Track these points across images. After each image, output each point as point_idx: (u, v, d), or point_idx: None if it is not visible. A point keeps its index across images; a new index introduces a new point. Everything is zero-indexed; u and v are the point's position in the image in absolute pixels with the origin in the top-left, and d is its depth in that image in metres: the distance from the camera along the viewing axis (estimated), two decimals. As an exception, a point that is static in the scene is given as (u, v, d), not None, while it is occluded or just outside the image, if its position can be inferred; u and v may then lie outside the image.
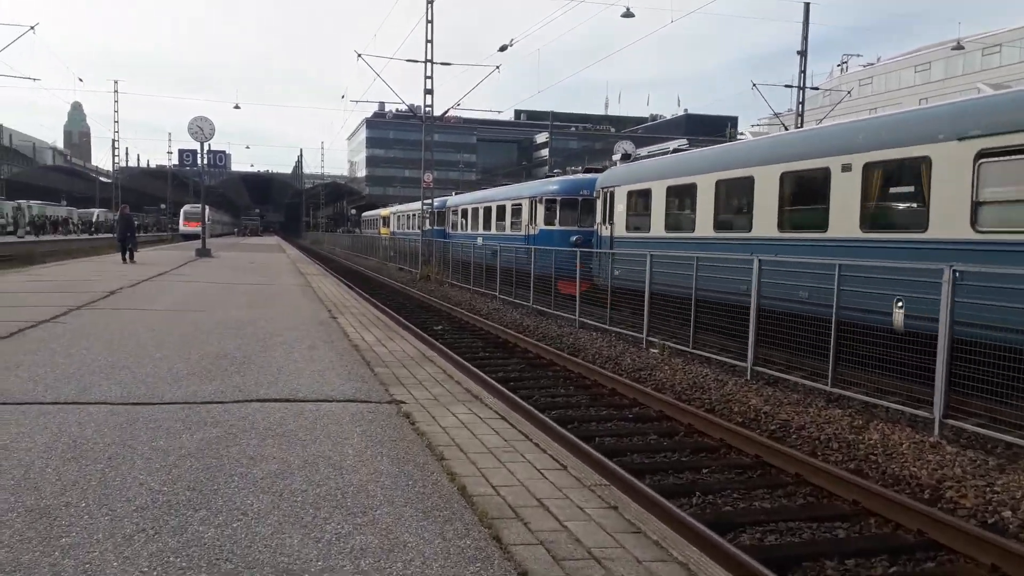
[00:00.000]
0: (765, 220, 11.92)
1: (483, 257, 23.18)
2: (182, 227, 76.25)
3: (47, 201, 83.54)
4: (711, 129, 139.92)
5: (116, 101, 55.13)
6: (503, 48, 25.40)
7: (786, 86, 37.15)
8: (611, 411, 9.24)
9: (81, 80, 43.84)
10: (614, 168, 18.92)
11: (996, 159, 8.00)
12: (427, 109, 30.99)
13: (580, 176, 21.63)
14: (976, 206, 8.19)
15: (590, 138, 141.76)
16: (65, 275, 17.27)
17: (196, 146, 27.81)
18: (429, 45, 30.38)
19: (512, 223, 23.23)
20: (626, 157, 19.45)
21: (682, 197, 14.84)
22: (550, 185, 22.01)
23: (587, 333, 14.72)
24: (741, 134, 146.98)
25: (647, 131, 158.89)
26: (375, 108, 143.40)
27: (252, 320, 9.73)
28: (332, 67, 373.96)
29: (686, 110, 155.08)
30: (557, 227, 20.52)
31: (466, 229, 28.51)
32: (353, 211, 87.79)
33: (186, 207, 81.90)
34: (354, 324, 10.03)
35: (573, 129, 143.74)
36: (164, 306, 11.14)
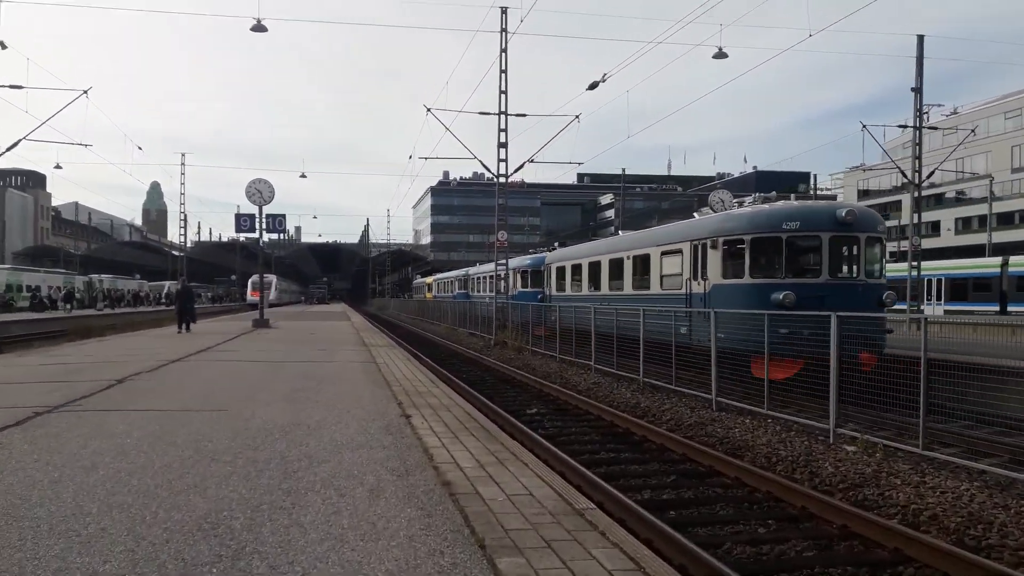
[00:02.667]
0: (627, 283, 19.41)
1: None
2: (249, 297, 75.68)
3: (119, 275, 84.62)
4: (782, 186, 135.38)
5: (183, 174, 54.86)
6: (593, 86, 22.49)
7: (900, 126, 33.37)
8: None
9: (140, 148, 43.45)
10: (554, 251, 27.68)
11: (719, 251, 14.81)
12: (501, 163, 28.33)
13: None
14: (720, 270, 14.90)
15: (656, 198, 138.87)
16: (97, 353, 14.69)
17: (255, 210, 25.73)
18: (503, 96, 27.91)
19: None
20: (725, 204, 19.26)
21: (592, 269, 22.10)
22: (525, 259, 31.91)
23: (732, 417, 11.11)
24: (813, 189, 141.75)
25: (711, 190, 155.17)
26: (440, 177, 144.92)
27: (288, 427, 6.58)
28: (397, 137, 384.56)
29: (755, 167, 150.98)
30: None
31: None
32: (418, 276, 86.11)
33: (253, 277, 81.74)
34: (436, 428, 6.77)
35: (638, 190, 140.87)
36: (175, 403, 8.11)
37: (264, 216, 25.71)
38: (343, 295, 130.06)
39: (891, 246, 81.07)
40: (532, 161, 29.17)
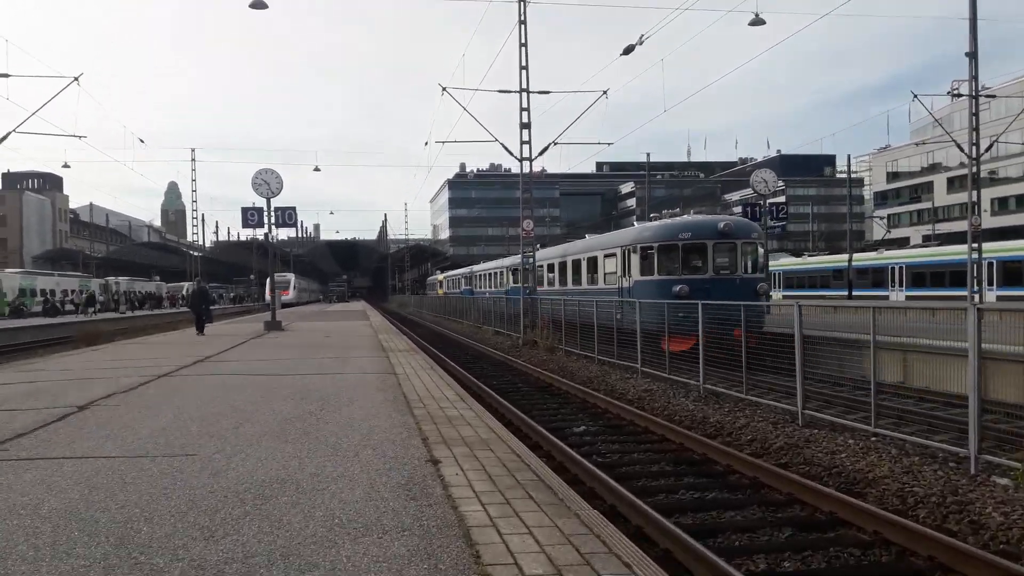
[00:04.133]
0: (584, 280, 23.58)
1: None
2: (268, 297, 74.31)
3: (137, 277, 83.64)
4: (807, 169, 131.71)
5: (193, 170, 53.31)
6: (629, 49, 20.28)
7: (954, 94, 30.89)
8: None
9: (142, 141, 41.90)
10: (539, 252, 28.81)
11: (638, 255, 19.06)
12: (524, 145, 26.27)
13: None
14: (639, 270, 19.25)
15: (678, 185, 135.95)
16: (79, 367, 12.90)
17: (263, 203, 23.94)
18: (524, 72, 25.84)
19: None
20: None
21: (561, 268, 26.09)
22: (516, 258, 30.69)
23: (826, 434, 9.04)
24: (841, 171, 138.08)
25: (736, 175, 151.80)
26: (456, 170, 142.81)
27: (269, 488, 4.65)
28: (413, 130, 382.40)
29: (779, 151, 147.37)
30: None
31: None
32: (438, 272, 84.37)
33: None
34: (476, 483, 4.81)
35: (659, 177, 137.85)
36: (130, 445, 6.21)
37: (272, 209, 23.91)
38: (363, 293, 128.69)
39: (924, 229, 78.10)
40: (557, 143, 27.11)
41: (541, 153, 26.93)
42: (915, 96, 30.47)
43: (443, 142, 28.13)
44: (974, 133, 27.90)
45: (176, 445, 6.05)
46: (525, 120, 26.02)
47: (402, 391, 9.22)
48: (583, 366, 17.87)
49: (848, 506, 6.54)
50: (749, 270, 18.31)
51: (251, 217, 24.12)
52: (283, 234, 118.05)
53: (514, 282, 32.38)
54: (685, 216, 21.53)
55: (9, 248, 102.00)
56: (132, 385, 9.95)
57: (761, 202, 27.83)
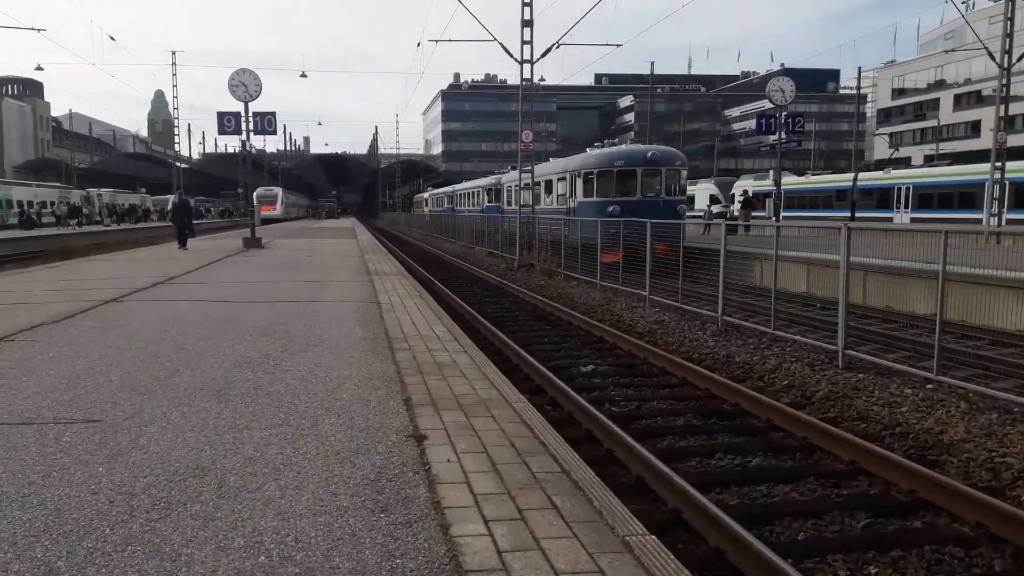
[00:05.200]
0: (542, 200, 25.53)
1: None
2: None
3: (120, 189, 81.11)
4: (811, 83, 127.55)
5: (174, 75, 50.34)
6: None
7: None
8: None
9: (113, 39, 38.53)
10: (507, 174, 31.77)
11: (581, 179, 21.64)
12: (525, 46, 24.10)
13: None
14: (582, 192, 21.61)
15: (678, 99, 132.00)
16: (28, 287, 11.43)
17: (240, 107, 21.95)
18: (525, -39, 23.42)
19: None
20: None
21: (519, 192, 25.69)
22: (490, 179, 37.87)
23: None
24: (844, 87, 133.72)
25: (738, 89, 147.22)
26: (451, 81, 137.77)
27: (182, 480, 3.26)
28: (405, 39, 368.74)
29: (782, 64, 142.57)
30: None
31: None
32: (430, 188, 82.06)
33: (258, 190, 77.94)
34: (474, 478, 3.45)
35: (659, 91, 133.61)
36: (28, 401, 4.81)
37: (251, 114, 21.95)
38: (354, 209, 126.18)
39: (927, 149, 75.89)
40: (561, 44, 24.85)
41: (544, 55, 24.67)
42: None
43: (436, 41, 25.95)
44: (1007, 40, 25.72)
45: (82, 404, 4.65)
46: (527, 17, 23.78)
47: (384, 326, 7.81)
48: (582, 291, 16.53)
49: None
50: (674, 193, 21.10)
51: (227, 123, 22.11)
52: (271, 146, 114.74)
53: (488, 201, 35.68)
54: (621, 146, 24.34)
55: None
56: (68, 313, 8.50)
57: (776, 113, 25.91)
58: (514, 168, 32.49)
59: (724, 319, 11.57)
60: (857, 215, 41.38)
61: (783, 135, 25.96)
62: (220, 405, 4.63)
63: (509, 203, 29.93)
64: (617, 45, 27.30)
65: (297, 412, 4.47)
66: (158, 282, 12.11)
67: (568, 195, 22.87)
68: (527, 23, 23.85)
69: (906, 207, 39.83)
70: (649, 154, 21.02)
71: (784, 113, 26.09)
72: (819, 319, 11.55)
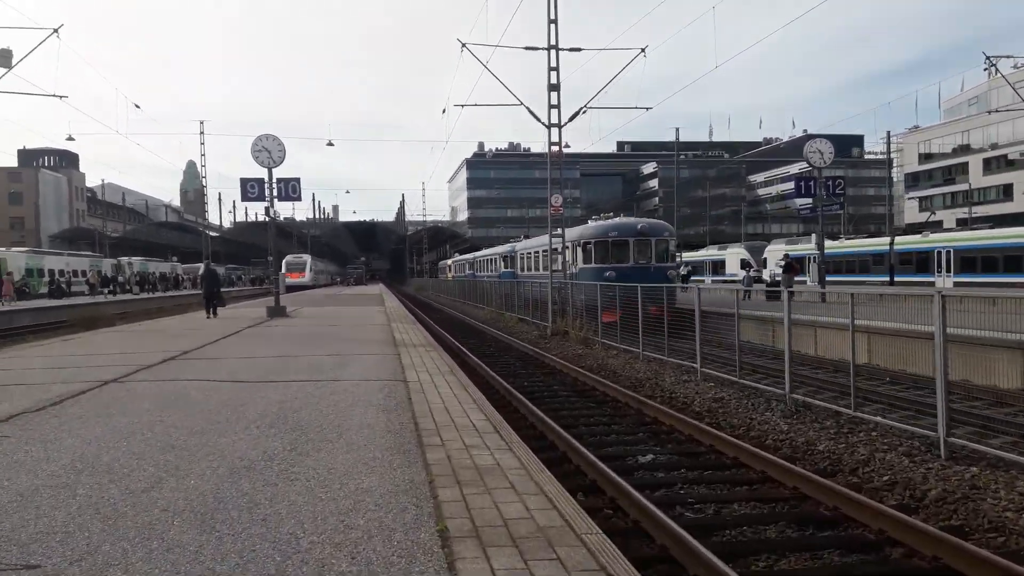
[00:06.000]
0: (547, 267, 25.15)
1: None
2: (285, 279, 72.11)
3: (152, 257, 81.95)
4: (836, 148, 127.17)
5: (202, 143, 50.98)
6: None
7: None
8: None
9: (138, 107, 39.03)
10: (520, 243, 36.34)
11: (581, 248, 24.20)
12: (552, 110, 23.55)
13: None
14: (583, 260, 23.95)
15: (701, 165, 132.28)
16: (24, 364, 10.57)
17: (264, 173, 21.47)
18: (552, 27, 23.11)
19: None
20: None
21: (534, 257, 30.73)
22: (505, 247, 40.65)
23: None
24: (869, 153, 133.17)
25: (763, 154, 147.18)
26: (475, 150, 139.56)
27: None
28: (424, 116, 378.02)
29: (805, 130, 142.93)
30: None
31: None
32: (456, 254, 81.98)
33: (287, 258, 78.29)
34: None
35: (683, 157, 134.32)
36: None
37: (274, 180, 21.44)
38: (382, 275, 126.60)
39: (959, 212, 74.25)
40: (587, 109, 24.32)
41: (571, 119, 24.18)
42: (988, 59, 27.38)
43: (463, 105, 25.52)
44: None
45: (24, 535, 3.56)
46: (554, 81, 23.32)
47: (412, 412, 6.71)
48: (624, 362, 15.33)
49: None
50: (664, 260, 23.51)
51: (251, 189, 21.61)
52: (300, 215, 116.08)
53: (504, 267, 38.76)
54: (615, 219, 25.91)
55: (26, 227, 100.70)
56: (59, 397, 7.52)
57: (816, 175, 24.93)
58: (527, 237, 37.57)
59: (793, 397, 10.31)
60: (896, 279, 39.93)
61: (824, 196, 24.94)
62: (201, 538, 3.53)
63: (522, 269, 33.56)
64: (647, 108, 26.54)
65: (298, 553, 3.35)
66: (169, 358, 11.17)
67: (572, 262, 24.85)
68: (554, 87, 23.40)
69: (948, 271, 38.39)
70: (639, 226, 23.30)
71: (824, 175, 25.13)
72: (898, 396, 10.27)
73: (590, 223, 26.29)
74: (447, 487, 4.41)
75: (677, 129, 59.02)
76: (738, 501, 6.66)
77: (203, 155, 50.97)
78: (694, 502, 6.59)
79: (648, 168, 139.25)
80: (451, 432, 5.97)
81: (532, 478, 4.74)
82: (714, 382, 12.42)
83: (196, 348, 12.69)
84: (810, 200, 26.02)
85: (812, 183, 24.79)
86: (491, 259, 44.16)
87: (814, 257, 40.15)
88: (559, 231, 24.59)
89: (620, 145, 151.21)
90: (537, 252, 30.52)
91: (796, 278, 28.93)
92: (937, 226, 62.58)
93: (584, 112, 24.77)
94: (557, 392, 12.58)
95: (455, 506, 4.05)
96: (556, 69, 23.30)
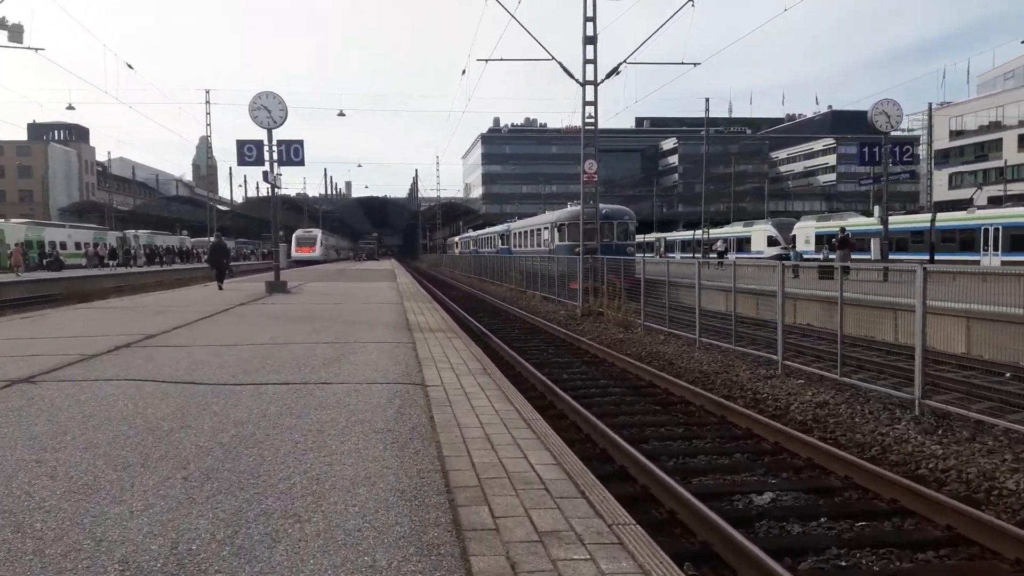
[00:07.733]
0: (532, 244, 33.88)
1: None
2: (294, 253, 69.91)
3: (159, 231, 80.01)
4: (860, 126, 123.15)
5: (208, 113, 48.54)
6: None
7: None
8: None
9: (131, 67, 35.83)
10: (514, 223, 41.31)
11: (556, 229, 29.80)
12: (588, 65, 20.92)
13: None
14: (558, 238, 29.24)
15: (723, 141, 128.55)
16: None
17: (264, 135, 19.06)
18: (589, -29, 20.39)
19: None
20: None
21: (523, 235, 36.63)
22: (501, 227, 45.55)
23: None
24: (896, 130, 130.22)
25: (786, 131, 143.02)
26: (490, 125, 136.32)
27: None
28: (440, 87, 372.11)
29: (830, 107, 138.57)
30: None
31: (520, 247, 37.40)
32: (470, 230, 79.60)
33: (297, 232, 76.12)
34: None
35: (702, 134, 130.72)
36: None
37: (274, 142, 19.02)
38: (394, 251, 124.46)
39: (992, 190, 71.05)
40: (626, 64, 21.60)
41: (608, 76, 21.51)
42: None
43: (487, 60, 23.01)
44: None
45: None
46: (590, 33, 20.66)
47: (438, 450, 4.30)
48: (677, 349, 12.91)
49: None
50: (624, 239, 28.10)
51: (248, 152, 19.19)
52: (313, 190, 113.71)
53: (501, 244, 42.57)
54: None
55: (35, 200, 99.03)
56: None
57: (882, 141, 22.21)
58: (521, 217, 42.36)
59: (929, 404, 7.85)
60: (936, 258, 37.30)
61: (890, 163, 22.28)
62: None
63: (516, 246, 38.10)
64: (695, 63, 23.27)
65: None
66: (125, 344, 8.83)
67: (549, 239, 30.45)
68: (590, 40, 20.74)
69: (995, 249, 35.80)
70: (604, 211, 26.67)
71: (889, 141, 22.42)
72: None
73: (568, 207, 31.67)
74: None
75: (707, 100, 56.19)
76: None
77: (208, 124, 48.44)
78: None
79: (668, 144, 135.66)
80: (504, 494, 3.55)
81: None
82: (804, 379, 9.99)
83: (167, 331, 10.35)
84: (870, 169, 23.37)
85: (877, 149, 22.07)
86: (490, 237, 50.12)
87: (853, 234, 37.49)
88: (592, 201, 22.09)
89: (639, 121, 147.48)
90: (527, 231, 36.21)
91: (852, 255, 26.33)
92: (966, 204, 59.61)
93: (622, 70, 22.06)
94: (608, 390, 10.16)
95: None
96: (592, 20, 20.65)
